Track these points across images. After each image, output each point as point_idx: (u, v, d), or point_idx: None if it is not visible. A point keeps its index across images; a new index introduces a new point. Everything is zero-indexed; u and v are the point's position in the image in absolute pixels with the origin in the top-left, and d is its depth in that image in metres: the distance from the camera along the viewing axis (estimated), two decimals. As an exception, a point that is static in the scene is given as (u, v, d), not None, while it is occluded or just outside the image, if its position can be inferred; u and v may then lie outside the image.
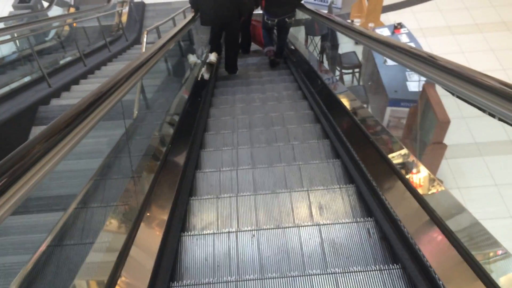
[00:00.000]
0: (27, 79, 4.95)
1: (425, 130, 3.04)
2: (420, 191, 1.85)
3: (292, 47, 6.54)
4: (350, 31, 3.27)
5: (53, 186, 2.48)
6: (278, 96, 4.64)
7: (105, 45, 7.49)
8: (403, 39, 6.17)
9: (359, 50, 5.36)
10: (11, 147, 1.01)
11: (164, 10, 10.27)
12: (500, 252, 1.41)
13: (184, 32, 4.47)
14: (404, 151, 2.24)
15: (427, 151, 3.02)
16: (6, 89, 4.52)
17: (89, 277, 1.55)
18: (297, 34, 6.78)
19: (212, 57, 5.45)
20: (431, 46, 7.65)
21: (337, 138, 3.01)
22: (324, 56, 5.51)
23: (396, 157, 2.21)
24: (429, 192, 1.87)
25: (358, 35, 3.04)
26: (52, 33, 7.07)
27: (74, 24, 7.04)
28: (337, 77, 4.93)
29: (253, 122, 3.82)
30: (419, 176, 2.02)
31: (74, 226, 2.08)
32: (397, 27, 6.41)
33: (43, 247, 1.77)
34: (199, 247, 1.95)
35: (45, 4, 8.04)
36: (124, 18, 9.48)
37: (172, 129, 3.05)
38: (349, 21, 7.73)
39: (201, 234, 2.02)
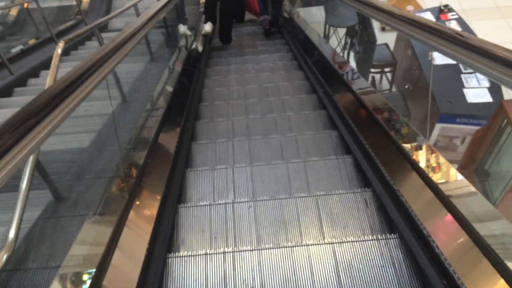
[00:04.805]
0: None
1: (501, 167, 2.19)
2: (418, 161, 1.83)
3: (287, 16, 6.38)
4: (392, 18, 1.99)
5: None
6: (273, 66, 4.55)
7: (51, 39, 5.48)
8: (453, 27, 4.42)
9: (389, 38, 3.98)
10: None
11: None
12: (499, 223, 1.40)
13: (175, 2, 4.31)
14: (402, 119, 2.21)
15: (505, 197, 2.19)
16: None
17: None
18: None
19: (207, 27, 5.30)
20: (477, 33, 5.14)
21: (334, 108, 2.97)
22: (351, 56, 4.25)
23: (394, 126, 2.18)
24: (428, 163, 1.85)
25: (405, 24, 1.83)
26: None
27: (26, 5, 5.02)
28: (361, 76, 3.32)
29: (248, 93, 3.76)
30: (417, 145, 2.00)
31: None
32: (443, 10, 4.82)
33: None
34: (196, 218, 1.94)
35: None
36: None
37: (165, 102, 2.98)
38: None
39: (197, 206, 2.00)
